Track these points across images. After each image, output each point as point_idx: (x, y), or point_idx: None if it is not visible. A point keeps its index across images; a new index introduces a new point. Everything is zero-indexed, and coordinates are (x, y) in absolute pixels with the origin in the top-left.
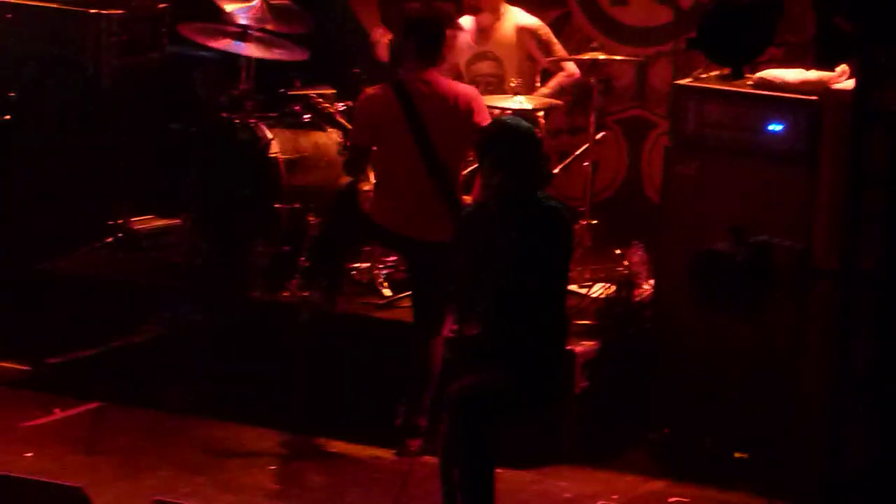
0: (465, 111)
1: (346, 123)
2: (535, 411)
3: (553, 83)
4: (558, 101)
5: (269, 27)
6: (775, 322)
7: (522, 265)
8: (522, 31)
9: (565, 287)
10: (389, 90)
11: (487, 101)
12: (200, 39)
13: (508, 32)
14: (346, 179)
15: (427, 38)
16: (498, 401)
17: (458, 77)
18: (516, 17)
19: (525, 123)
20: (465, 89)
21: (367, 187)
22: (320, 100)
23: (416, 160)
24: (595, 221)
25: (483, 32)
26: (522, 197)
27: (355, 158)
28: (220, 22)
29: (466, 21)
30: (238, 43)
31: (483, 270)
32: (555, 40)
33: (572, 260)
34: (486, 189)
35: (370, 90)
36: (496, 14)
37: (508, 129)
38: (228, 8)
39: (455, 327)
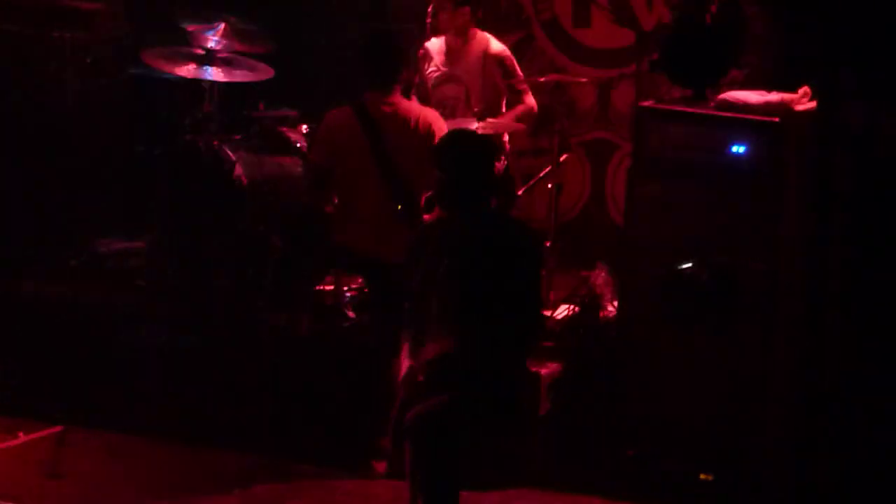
0: (425, 134)
1: (301, 147)
2: (498, 429)
3: (510, 115)
4: (518, 125)
5: (233, 47)
6: (741, 343)
7: (478, 278)
8: (489, 57)
9: (535, 299)
10: (351, 112)
11: (450, 123)
12: (164, 66)
13: (475, 57)
14: (310, 201)
15: (385, 60)
16: (458, 422)
17: (425, 98)
18: (484, 43)
19: (474, 133)
20: (427, 112)
21: (330, 209)
22: (277, 124)
23: (377, 182)
24: (559, 243)
25: (451, 55)
26: (477, 207)
27: (316, 179)
28: (184, 45)
29: (435, 44)
30: (202, 67)
31: (440, 285)
32: (518, 70)
33: None
34: (440, 199)
35: (333, 112)
36: (464, 37)
37: (457, 138)
38: (192, 30)
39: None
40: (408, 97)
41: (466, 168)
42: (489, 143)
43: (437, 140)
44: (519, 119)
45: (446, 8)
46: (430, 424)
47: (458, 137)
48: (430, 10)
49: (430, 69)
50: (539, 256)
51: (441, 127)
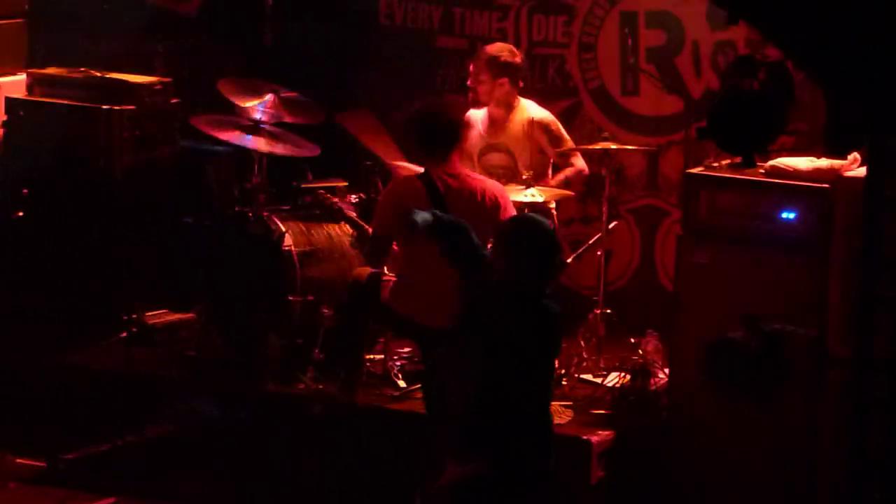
0: (492, 207)
1: (356, 217)
2: (528, 497)
3: (560, 177)
4: (567, 192)
5: (282, 119)
6: (790, 409)
7: (511, 359)
8: (533, 124)
9: (551, 381)
10: (418, 182)
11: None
12: (211, 131)
13: (519, 125)
14: (365, 270)
15: (440, 133)
16: (488, 491)
17: (471, 168)
18: (528, 111)
19: (544, 222)
20: (493, 185)
21: (385, 277)
22: (329, 195)
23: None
24: (609, 310)
25: (494, 125)
26: (525, 294)
27: (377, 248)
28: (233, 115)
29: (478, 113)
30: (248, 136)
31: (473, 356)
32: (565, 135)
33: (588, 348)
34: (492, 277)
35: (398, 181)
36: (507, 107)
37: (524, 223)
38: (241, 103)
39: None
40: None
41: (521, 256)
42: (552, 238)
43: (502, 213)
44: (568, 181)
45: (484, 81)
46: (459, 495)
47: (522, 223)
48: (468, 83)
49: (473, 138)
50: (558, 347)
51: (507, 200)
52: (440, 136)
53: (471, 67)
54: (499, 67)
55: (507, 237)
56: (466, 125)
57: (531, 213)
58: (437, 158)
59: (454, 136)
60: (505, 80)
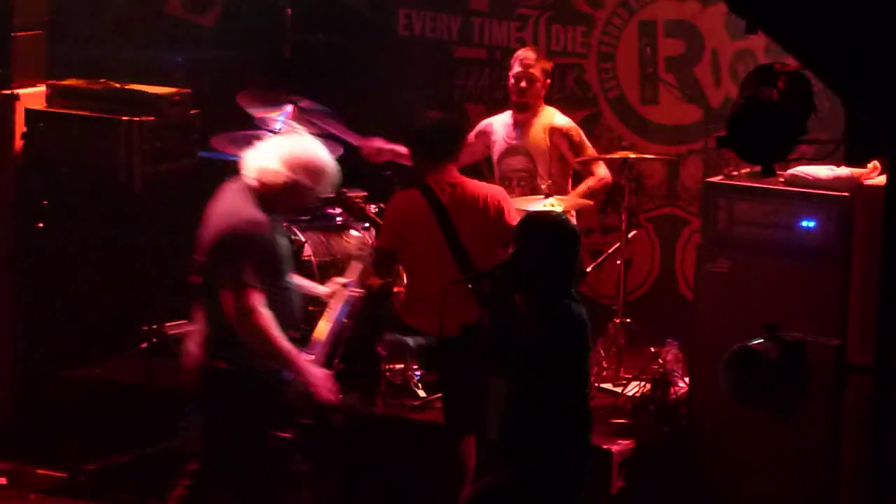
0: (495, 212)
1: (379, 220)
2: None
3: (582, 187)
4: (588, 202)
5: (303, 129)
6: (810, 419)
7: (537, 364)
8: (555, 131)
9: (585, 386)
10: (418, 194)
11: (518, 202)
12: (233, 151)
13: (541, 130)
14: (378, 281)
15: (440, 141)
16: (517, 500)
17: (490, 172)
18: (550, 117)
19: (561, 216)
20: (494, 190)
21: (398, 289)
22: (353, 197)
23: (447, 262)
24: (628, 320)
25: (518, 128)
26: (546, 293)
27: (382, 261)
28: (252, 128)
29: (501, 118)
30: None
31: (497, 363)
32: (587, 143)
33: (607, 358)
34: (511, 278)
35: (399, 195)
36: (533, 111)
37: (541, 218)
38: (261, 114)
39: None
40: None
41: (542, 255)
42: (573, 237)
43: (506, 216)
44: (592, 191)
45: (538, 79)
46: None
47: (542, 222)
48: (522, 85)
49: (494, 142)
50: (587, 347)
51: (510, 204)
52: (438, 146)
53: (519, 67)
54: (547, 69)
55: (526, 235)
56: (484, 133)
57: (546, 210)
58: (435, 168)
59: (452, 146)
60: (548, 80)
